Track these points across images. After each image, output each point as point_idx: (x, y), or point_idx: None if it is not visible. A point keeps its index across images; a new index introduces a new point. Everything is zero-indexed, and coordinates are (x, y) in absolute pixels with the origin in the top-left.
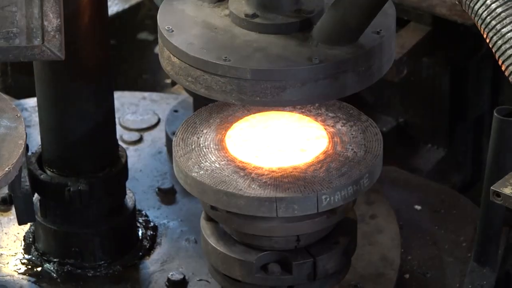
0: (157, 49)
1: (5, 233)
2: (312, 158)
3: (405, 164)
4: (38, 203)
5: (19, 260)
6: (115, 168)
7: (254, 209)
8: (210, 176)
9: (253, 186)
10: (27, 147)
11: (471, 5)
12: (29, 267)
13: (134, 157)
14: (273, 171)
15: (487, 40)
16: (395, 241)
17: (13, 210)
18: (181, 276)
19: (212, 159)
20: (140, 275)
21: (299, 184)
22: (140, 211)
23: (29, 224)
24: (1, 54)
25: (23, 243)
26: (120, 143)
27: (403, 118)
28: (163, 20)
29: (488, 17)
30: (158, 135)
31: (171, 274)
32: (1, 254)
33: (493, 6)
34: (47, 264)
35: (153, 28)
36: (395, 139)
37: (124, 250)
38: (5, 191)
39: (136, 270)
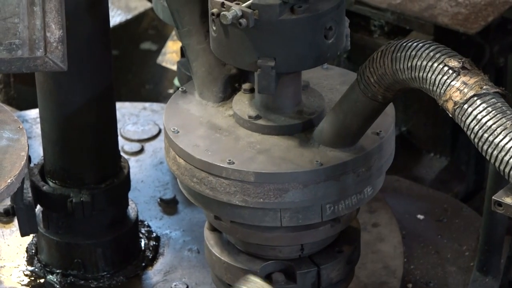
0: (159, 60)
1: (8, 245)
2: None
3: (408, 173)
4: (41, 215)
5: (22, 271)
6: (118, 179)
7: (259, 219)
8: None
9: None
10: (29, 159)
11: (463, 119)
12: (32, 278)
13: (136, 167)
14: None
15: (483, 153)
16: (397, 250)
17: (16, 221)
18: (184, 286)
19: None
20: (143, 285)
21: None
22: (142, 221)
23: (31, 235)
24: (4, 66)
25: (25, 255)
26: (121, 154)
27: (406, 127)
28: (169, 120)
29: (480, 130)
30: (159, 146)
31: (174, 285)
32: (4, 266)
33: (484, 120)
34: (50, 276)
35: (156, 38)
36: (397, 148)
37: (127, 260)
38: (7, 202)
39: (139, 280)
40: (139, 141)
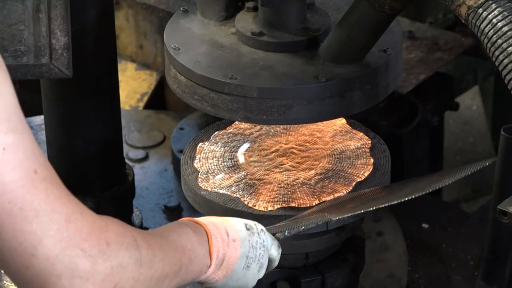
0: None
1: None
2: (321, 175)
3: None
4: None
5: None
6: (122, 186)
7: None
8: (219, 194)
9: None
10: None
11: (477, 23)
12: None
13: (140, 175)
14: (282, 188)
15: (493, 59)
16: (402, 258)
17: None
18: None
19: (221, 177)
20: None
21: None
22: (146, 229)
23: None
24: (9, 72)
25: None
26: (126, 161)
27: None
28: (169, 38)
29: (495, 36)
30: (164, 153)
31: None
32: None
33: (499, 25)
34: None
35: None
36: None
37: None
38: None
39: None
40: (143, 148)
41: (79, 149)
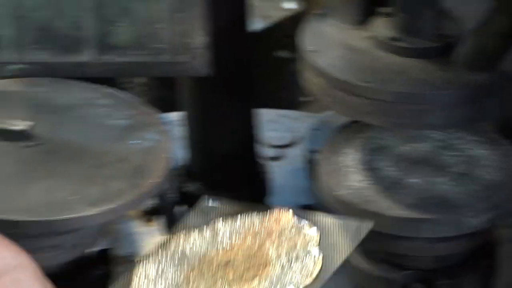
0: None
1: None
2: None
3: None
4: None
5: None
6: (256, 185)
7: (397, 229)
8: (355, 195)
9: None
10: (172, 161)
11: None
12: None
13: (274, 173)
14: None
15: None
16: None
17: (158, 221)
18: None
19: (357, 178)
20: None
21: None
22: None
23: None
24: (148, 70)
25: None
26: (260, 159)
27: None
28: (305, 40)
29: None
30: (298, 153)
31: None
32: None
33: None
34: None
35: (291, 46)
36: None
37: None
38: (152, 203)
39: None
40: (277, 147)
41: (216, 146)
